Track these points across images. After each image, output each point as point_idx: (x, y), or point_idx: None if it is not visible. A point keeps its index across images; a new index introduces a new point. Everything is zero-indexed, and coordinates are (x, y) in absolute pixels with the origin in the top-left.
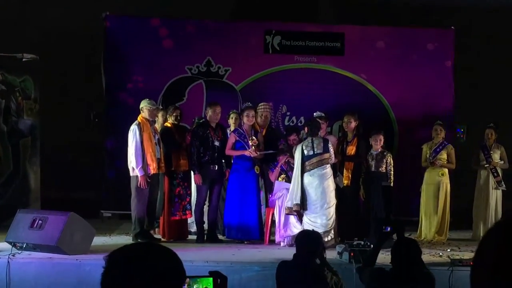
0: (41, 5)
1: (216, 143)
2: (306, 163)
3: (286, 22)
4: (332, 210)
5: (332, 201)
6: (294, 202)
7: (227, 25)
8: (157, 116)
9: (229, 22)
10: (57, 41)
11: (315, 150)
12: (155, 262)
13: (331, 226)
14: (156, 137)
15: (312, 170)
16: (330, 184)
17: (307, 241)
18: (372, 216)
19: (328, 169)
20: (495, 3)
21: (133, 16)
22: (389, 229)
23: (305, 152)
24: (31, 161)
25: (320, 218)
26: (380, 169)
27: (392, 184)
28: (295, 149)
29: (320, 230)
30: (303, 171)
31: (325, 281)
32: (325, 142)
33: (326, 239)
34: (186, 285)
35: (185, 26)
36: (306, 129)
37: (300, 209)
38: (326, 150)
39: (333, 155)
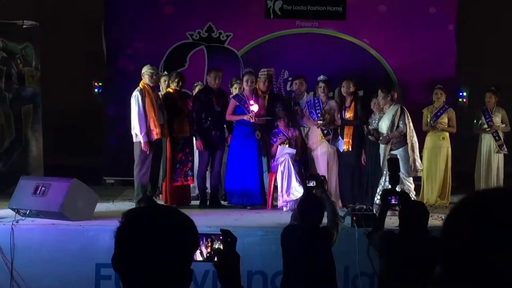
0: None
1: (218, 109)
2: None
3: None
4: None
5: None
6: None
7: None
8: (160, 82)
9: None
10: (57, 7)
11: None
12: (171, 224)
13: None
14: (159, 102)
15: None
16: None
17: (310, 206)
18: (367, 180)
19: None
20: None
21: None
22: (393, 200)
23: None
24: (33, 128)
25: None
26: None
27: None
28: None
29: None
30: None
31: (330, 242)
32: None
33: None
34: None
35: None
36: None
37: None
38: None
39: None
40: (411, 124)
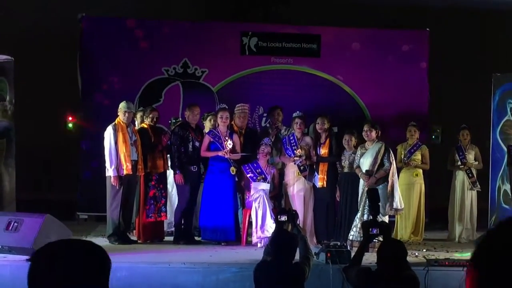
0: (16, 6)
1: (197, 144)
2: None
3: (263, 24)
4: None
5: None
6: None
7: (203, 26)
8: (136, 118)
9: (205, 23)
10: (32, 42)
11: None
12: (76, 257)
13: None
14: (133, 138)
15: None
16: None
17: (283, 242)
18: (341, 217)
19: None
20: (469, 4)
21: (109, 18)
22: (375, 231)
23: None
24: (6, 163)
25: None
26: (353, 169)
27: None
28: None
29: None
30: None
31: (303, 278)
32: None
33: None
34: None
35: (161, 27)
36: None
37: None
38: None
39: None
40: (394, 162)
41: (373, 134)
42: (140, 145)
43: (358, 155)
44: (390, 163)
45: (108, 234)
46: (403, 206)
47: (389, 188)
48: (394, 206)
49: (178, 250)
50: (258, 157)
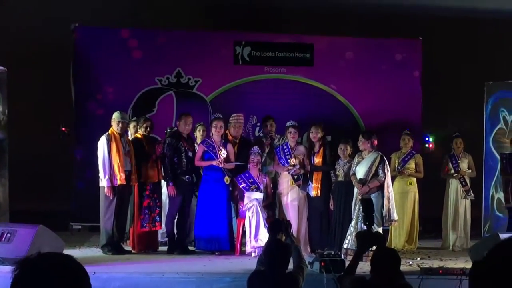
0: (9, 16)
1: (189, 154)
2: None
3: (256, 33)
4: None
5: None
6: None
7: (197, 36)
8: (129, 128)
9: (198, 33)
10: (25, 52)
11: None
12: (61, 274)
13: None
14: (127, 148)
15: None
16: None
17: (277, 252)
18: (335, 226)
19: None
20: (462, 13)
21: (103, 27)
22: (370, 241)
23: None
24: (0, 173)
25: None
26: (347, 178)
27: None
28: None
29: None
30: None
31: (297, 287)
32: None
33: None
34: None
35: (154, 37)
36: None
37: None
38: None
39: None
40: (389, 173)
41: (367, 144)
42: (133, 155)
43: (355, 163)
44: (385, 174)
45: (102, 244)
46: (397, 218)
47: (385, 201)
48: (392, 217)
49: (172, 260)
50: (249, 167)
